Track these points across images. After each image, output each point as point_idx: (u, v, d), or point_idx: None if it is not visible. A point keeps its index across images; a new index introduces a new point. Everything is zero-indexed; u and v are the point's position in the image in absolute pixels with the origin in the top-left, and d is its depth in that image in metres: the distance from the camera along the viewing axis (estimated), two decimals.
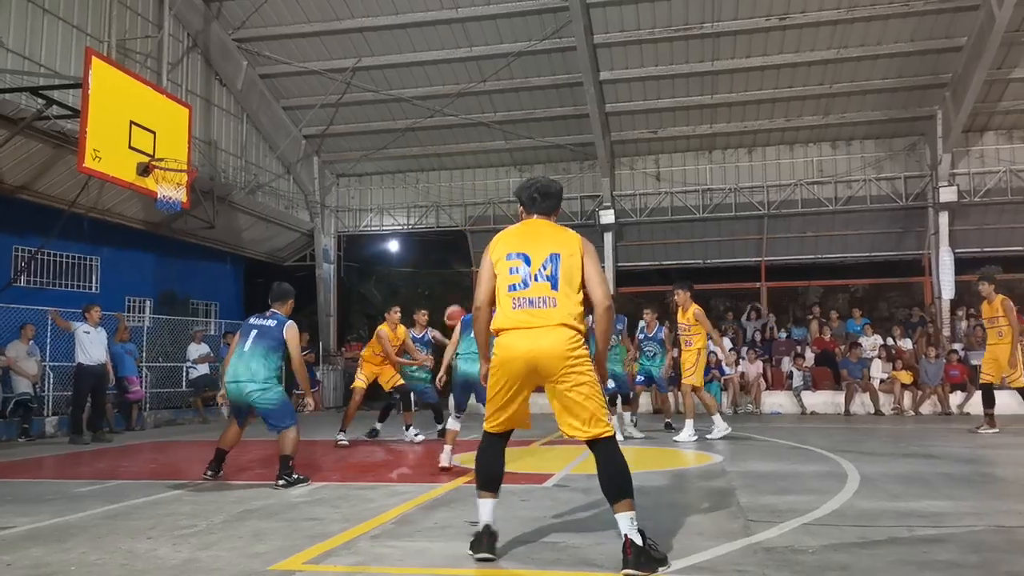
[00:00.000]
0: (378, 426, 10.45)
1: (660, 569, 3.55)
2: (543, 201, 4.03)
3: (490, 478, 3.92)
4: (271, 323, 6.56)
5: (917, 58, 15.54)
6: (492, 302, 3.95)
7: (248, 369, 6.36)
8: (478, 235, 19.80)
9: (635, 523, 3.61)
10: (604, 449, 3.75)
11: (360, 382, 10.07)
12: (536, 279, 3.75)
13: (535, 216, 4.04)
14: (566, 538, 4.25)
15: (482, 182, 19.66)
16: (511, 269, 3.81)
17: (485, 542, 3.79)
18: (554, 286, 3.74)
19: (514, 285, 3.78)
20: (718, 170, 18.44)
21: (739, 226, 18.63)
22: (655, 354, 11.13)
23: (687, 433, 9.49)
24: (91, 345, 10.88)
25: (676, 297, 9.87)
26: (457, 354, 7.55)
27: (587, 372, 3.76)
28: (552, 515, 4.91)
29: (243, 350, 6.45)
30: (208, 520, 4.90)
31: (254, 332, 6.52)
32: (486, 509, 3.86)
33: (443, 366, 8.30)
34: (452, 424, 7.27)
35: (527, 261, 3.79)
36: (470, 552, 3.86)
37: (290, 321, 6.64)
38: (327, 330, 19.89)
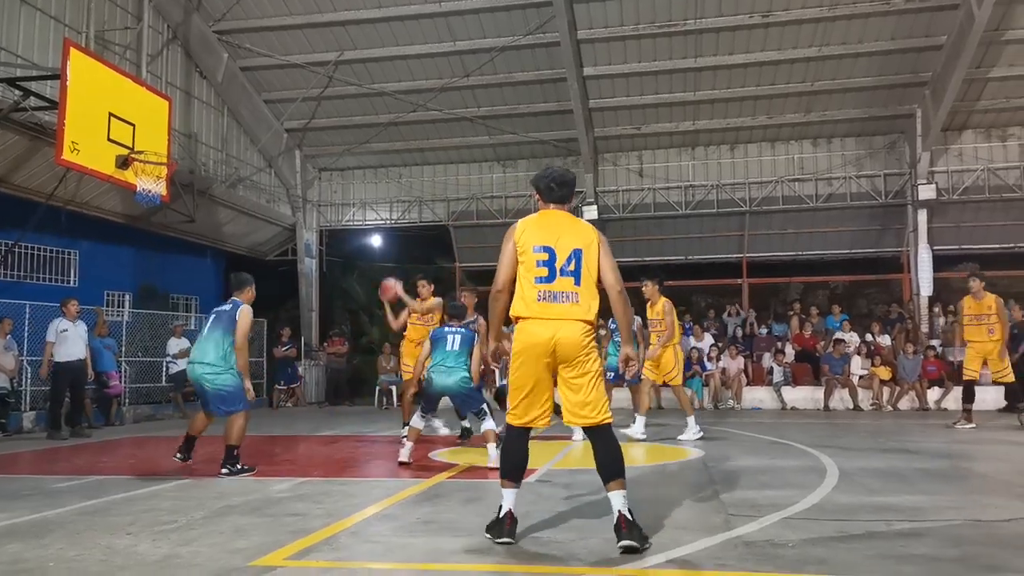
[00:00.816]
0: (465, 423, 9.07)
1: (644, 545, 3.85)
2: (559, 190, 4.21)
3: (514, 469, 4.15)
4: (227, 307, 6.85)
5: (897, 56, 15.67)
6: (512, 287, 4.11)
7: (203, 351, 6.66)
8: (461, 230, 19.79)
9: (627, 501, 3.93)
10: (603, 434, 4.05)
11: (408, 372, 9.30)
12: (561, 273, 3.97)
13: (551, 206, 4.22)
14: (549, 533, 4.26)
15: (465, 177, 19.62)
16: (538, 262, 4.00)
17: (507, 527, 4.00)
18: (577, 281, 4.00)
19: (541, 278, 3.98)
20: (701, 167, 18.52)
21: (721, 222, 18.73)
22: None
23: (691, 432, 8.96)
24: (69, 340, 10.69)
25: (644, 289, 9.32)
26: (431, 367, 7.46)
27: (595, 362, 4.05)
28: (534, 510, 4.91)
29: (202, 334, 6.82)
30: (188, 516, 4.87)
31: (212, 317, 6.85)
32: (509, 498, 4.07)
33: (414, 379, 8.18)
34: (416, 422, 7.26)
35: (552, 255, 3.99)
36: (488, 535, 4.02)
37: (245, 306, 6.86)
38: (309, 325, 19.79)
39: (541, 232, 4.07)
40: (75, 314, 10.87)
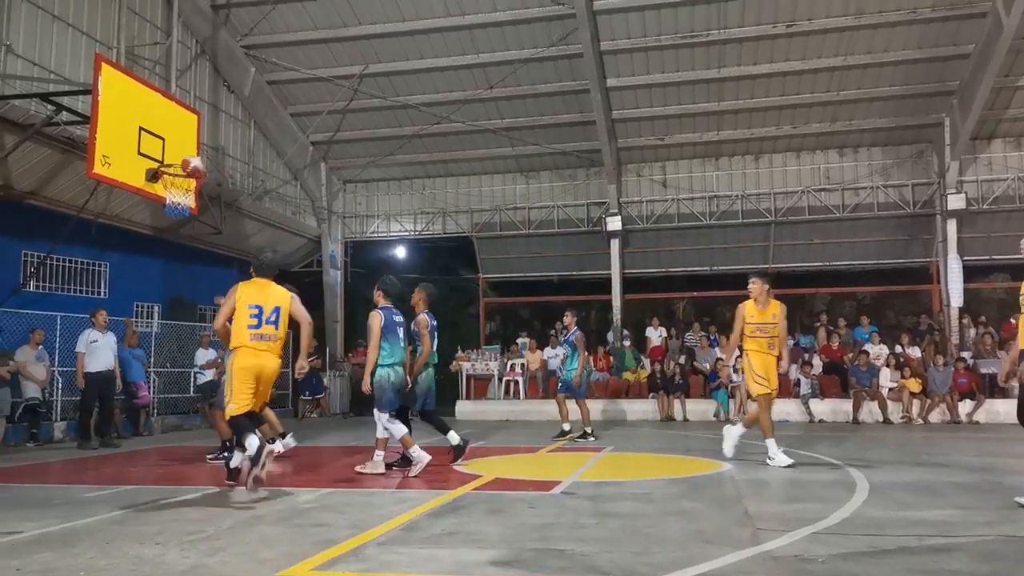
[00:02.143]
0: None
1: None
2: (268, 271, 6.53)
3: (252, 426, 6.04)
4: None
5: (924, 65, 15.52)
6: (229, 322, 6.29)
7: None
8: (485, 241, 19.84)
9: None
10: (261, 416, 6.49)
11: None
12: (266, 322, 6.17)
13: (260, 277, 6.44)
14: (574, 546, 4.24)
15: (488, 188, 19.70)
16: (251, 315, 6.16)
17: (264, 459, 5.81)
18: (276, 327, 6.24)
19: (252, 325, 6.14)
20: (725, 177, 18.44)
21: (746, 233, 18.62)
22: (566, 357, 11.16)
23: (780, 458, 7.64)
24: (99, 351, 10.80)
25: (752, 287, 7.92)
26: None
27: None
28: (560, 522, 4.89)
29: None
30: (215, 526, 4.90)
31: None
32: (254, 441, 5.80)
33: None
34: (403, 431, 7.25)
35: (261, 310, 6.18)
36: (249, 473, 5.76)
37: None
38: (334, 336, 19.91)
39: (255, 294, 6.24)
40: (104, 324, 10.97)
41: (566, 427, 11.05)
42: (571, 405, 11.29)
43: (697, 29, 15.12)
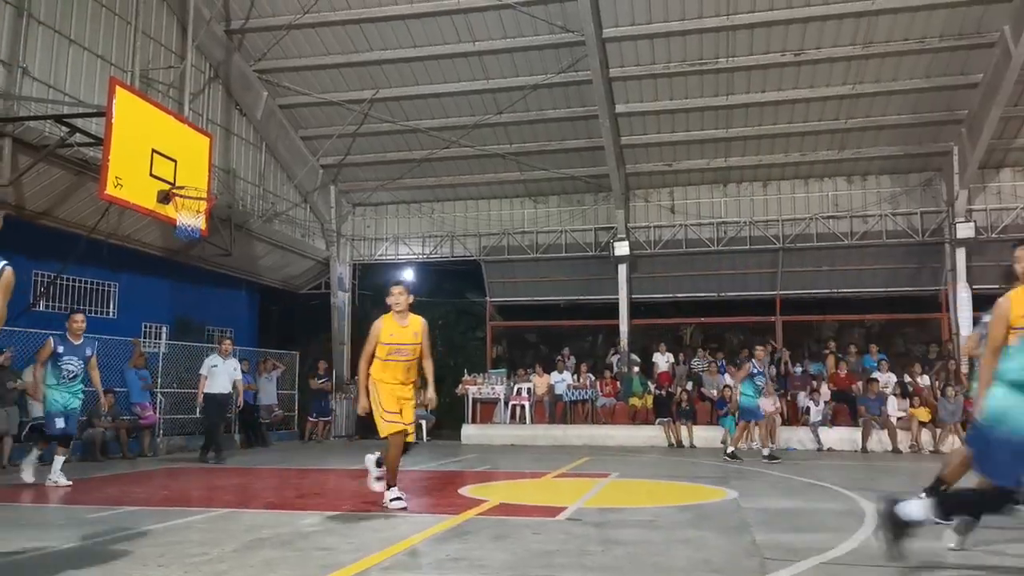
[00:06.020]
0: None
1: None
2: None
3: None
4: None
5: (932, 94, 15.56)
6: None
7: None
8: (492, 265, 19.86)
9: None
10: None
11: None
12: None
13: None
14: (579, 573, 4.20)
15: (497, 213, 19.77)
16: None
17: None
18: None
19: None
20: (733, 203, 18.46)
21: (754, 259, 18.59)
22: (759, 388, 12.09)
23: None
24: (217, 375, 11.72)
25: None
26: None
27: None
28: (565, 549, 4.85)
29: None
30: (219, 548, 4.88)
31: None
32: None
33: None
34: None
35: None
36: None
37: None
38: (341, 358, 19.89)
39: None
40: (227, 352, 11.96)
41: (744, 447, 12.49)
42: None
43: (706, 56, 15.22)
